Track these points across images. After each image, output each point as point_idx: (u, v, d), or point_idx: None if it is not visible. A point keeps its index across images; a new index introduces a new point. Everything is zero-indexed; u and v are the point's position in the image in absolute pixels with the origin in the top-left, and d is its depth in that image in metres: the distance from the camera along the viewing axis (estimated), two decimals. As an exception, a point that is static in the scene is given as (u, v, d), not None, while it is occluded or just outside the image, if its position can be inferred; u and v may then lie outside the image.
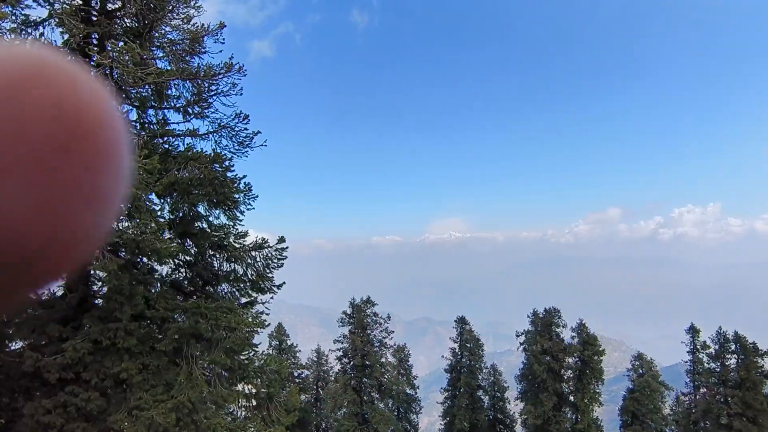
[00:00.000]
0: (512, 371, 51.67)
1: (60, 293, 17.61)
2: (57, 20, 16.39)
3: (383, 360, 45.40)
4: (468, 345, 51.11)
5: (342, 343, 44.95)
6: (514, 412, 51.24)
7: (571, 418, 43.44)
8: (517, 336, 47.85)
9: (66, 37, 16.58)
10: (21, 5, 15.21)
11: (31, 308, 17.26)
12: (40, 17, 17.00)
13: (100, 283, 17.68)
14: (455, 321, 53.01)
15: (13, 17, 15.57)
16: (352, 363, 44.05)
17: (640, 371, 45.41)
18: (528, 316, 47.50)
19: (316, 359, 52.28)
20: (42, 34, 17.22)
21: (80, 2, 17.50)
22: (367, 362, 43.67)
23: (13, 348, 17.05)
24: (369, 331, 44.88)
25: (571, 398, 43.78)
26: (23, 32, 16.54)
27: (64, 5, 16.99)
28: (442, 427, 51.30)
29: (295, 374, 49.54)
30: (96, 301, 17.65)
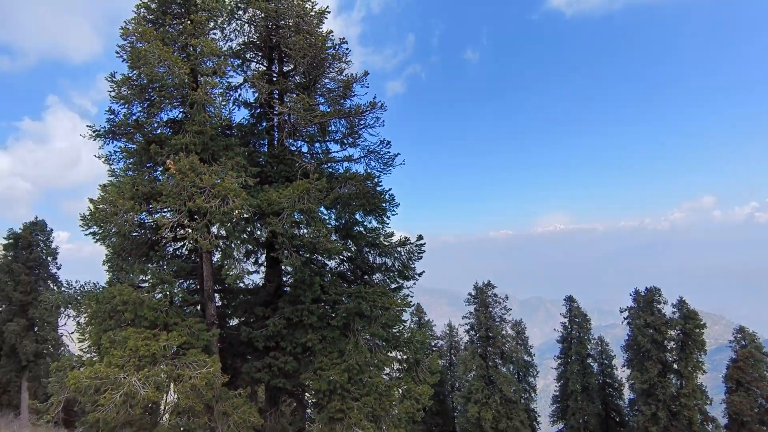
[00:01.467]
0: (617, 342, 47.29)
1: (261, 284, 19.10)
2: (249, 83, 17.89)
3: (503, 332, 44.01)
4: (576, 320, 47.83)
5: (469, 318, 44.35)
6: (621, 377, 47.12)
7: (675, 383, 38.91)
8: (621, 312, 43.85)
9: (256, 95, 18.02)
10: (226, 76, 16.71)
11: (242, 295, 18.98)
12: (238, 82, 18.65)
13: (288, 276, 18.90)
14: (564, 299, 49.70)
15: (221, 85, 17.16)
16: (477, 335, 43.30)
17: (743, 343, 39.65)
18: (630, 295, 43.29)
19: (448, 332, 51.99)
20: (240, 95, 18.88)
21: (264, 68, 18.91)
22: (490, 334, 42.65)
23: (232, 324, 18.78)
24: (490, 309, 43.84)
25: (675, 366, 39.18)
26: (227, 94, 18.20)
27: (254, 72, 18.45)
28: (558, 388, 48.59)
29: (432, 344, 49.64)
30: (285, 289, 18.86)
